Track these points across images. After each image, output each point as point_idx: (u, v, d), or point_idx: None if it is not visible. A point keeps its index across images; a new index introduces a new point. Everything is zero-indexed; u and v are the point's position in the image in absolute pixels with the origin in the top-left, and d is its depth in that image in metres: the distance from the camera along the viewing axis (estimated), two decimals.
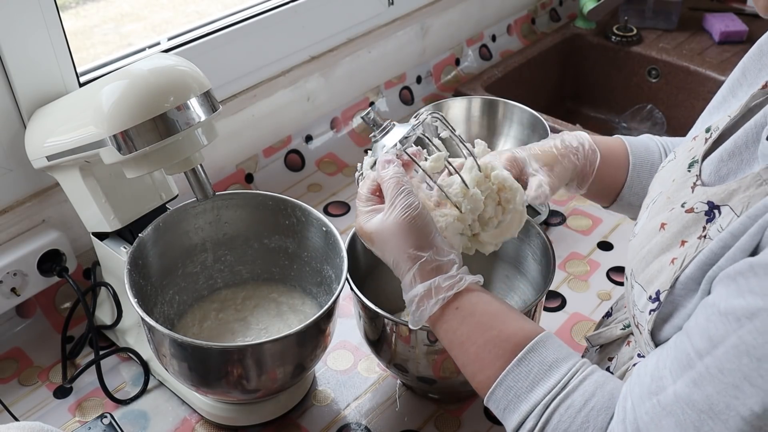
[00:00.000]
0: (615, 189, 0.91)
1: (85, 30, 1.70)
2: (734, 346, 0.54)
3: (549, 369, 0.68)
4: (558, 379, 0.67)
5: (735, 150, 0.67)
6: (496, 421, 0.95)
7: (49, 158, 0.91)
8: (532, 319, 0.90)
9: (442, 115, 0.85)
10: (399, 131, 0.82)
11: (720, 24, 1.80)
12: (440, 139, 0.87)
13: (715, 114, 0.76)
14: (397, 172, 0.76)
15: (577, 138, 0.89)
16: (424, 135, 0.84)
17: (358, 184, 0.83)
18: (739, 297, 0.55)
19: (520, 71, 1.72)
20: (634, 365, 0.76)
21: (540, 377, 0.67)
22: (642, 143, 0.92)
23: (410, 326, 0.77)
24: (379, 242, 0.76)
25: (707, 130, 0.73)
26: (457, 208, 0.80)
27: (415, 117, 0.85)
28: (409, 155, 0.81)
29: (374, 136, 0.84)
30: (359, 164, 0.85)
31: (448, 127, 0.85)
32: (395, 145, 0.80)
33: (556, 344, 0.70)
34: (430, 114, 0.86)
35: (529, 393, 0.67)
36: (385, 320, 0.87)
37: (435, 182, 0.81)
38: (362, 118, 0.83)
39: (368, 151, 0.85)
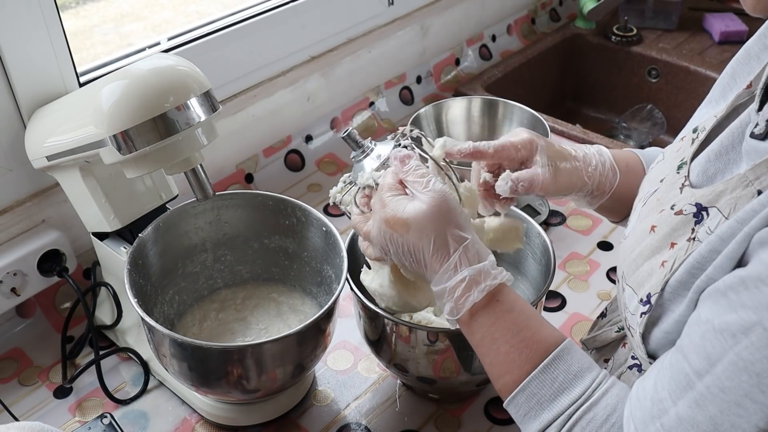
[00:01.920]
0: (629, 205, 0.90)
1: (85, 30, 1.70)
2: (732, 363, 0.53)
3: (573, 378, 0.66)
4: (582, 390, 0.66)
5: (721, 150, 0.67)
6: (496, 421, 0.95)
7: (49, 158, 0.91)
8: None
9: (419, 131, 0.86)
10: (383, 148, 0.82)
11: (720, 24, 1.80)
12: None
13: (705, 116, 0.76)
14: (420, 165, 0.74)
15: (597, 156, 0.87)
16: (410, 147, 0.84)
17: (353, 205, 0.81)
18: (732, 312, 0.54)
19: (520, 71, 1.72)
20: (629, 368, 0.76)
21: (564, 386, 0.66)
22: (653, 157, 0.89)
23: (447, 316, 0.72)
24: (417, 227, 0.71)
25: (694, 131, 0.73)
26: (460, 199, 0.81)
27: (392, 137, 0.85)
28: (422, 150, 0.80)
29: (355, 156, 0.83)
30: (334, 190, 0.84)
31: (429, 142, 0.85)
32: (388, 158, 0.80)
33: (579, 352, 0.69)
34: (411, 129, 0.85)
35: (552, 402, 0.66)
36: (385, 320, 0.87)
37: (446, 172, 0.81)
38: (342, 138, 0.82)
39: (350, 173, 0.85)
